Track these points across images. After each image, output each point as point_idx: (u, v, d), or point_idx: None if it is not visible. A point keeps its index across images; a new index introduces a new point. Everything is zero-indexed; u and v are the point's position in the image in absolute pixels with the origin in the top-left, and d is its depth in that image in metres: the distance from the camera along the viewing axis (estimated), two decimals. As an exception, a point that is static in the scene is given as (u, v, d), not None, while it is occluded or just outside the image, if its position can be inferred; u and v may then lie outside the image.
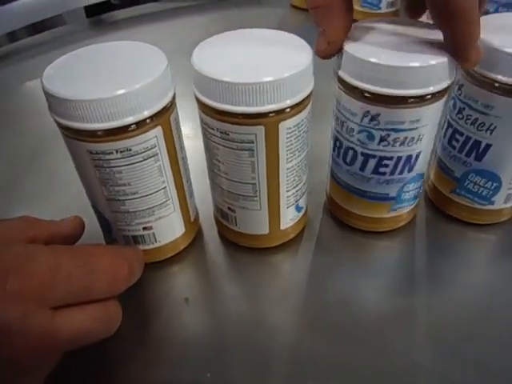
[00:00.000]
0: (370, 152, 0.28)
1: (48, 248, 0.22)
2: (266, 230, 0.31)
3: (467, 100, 0.29)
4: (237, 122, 0.25)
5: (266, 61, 0.26)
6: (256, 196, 0.29)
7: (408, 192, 0.30)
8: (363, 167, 0.29)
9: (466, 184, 0.31)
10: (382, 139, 0.27)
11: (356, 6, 0.62)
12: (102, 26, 0.71)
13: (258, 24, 0.65)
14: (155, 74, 0.25)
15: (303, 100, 0.26)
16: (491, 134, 0.28)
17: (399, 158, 0.28)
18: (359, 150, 0.29)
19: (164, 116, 0.26)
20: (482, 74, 0.27)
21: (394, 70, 0.24)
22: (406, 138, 0.27)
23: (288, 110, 0.26)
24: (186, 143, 0.30)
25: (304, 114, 0.27)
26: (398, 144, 0.27)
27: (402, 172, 0.29)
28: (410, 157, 0.28)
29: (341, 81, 0.27)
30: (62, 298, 0.21)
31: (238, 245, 0.33)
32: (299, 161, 0.29)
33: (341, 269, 0.32)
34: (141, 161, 0.26)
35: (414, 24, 0.28)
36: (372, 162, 0.29)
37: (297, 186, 0.30)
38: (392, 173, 0.29)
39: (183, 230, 0.32)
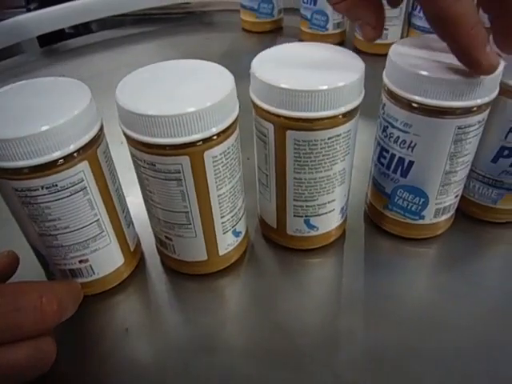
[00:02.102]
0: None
1: None
2: (204, 257, 0.31)
3: (389, 119, 0.30)
4: (162, 154, 0.26)
5: (189, 91, 0.26)
6: (190, 224, 0.29)
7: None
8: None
9: (396, 200, 0.32)
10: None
11: (304, 28, 0.64)
12: (56, 55, 0.71)
13: (210, 48, 0.67)
14: (77, 108, 0.25)
15: (229, 127, 0.27)
16: (412, 151, 0.29)
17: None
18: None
19: (90, 150, 0.26)
20: (399, 95, 0.28)
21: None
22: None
23: (215, 137, 0.26)
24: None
25: (231, 141, 0.27)
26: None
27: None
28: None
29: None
30: None
31: (180, 272, 0.33)
32: (231, 187, 0.29)
33: (280, 292, 0.32)
34: (69, 195, 0.26)
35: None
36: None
37: (231, 211, 0.30)
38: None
39: (123, 260, 0.32)
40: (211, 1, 0.78)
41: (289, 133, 0.27)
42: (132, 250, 0.33)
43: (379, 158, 0.32)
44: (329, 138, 0.27)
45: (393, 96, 0.29)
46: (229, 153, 0.28)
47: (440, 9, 0.23)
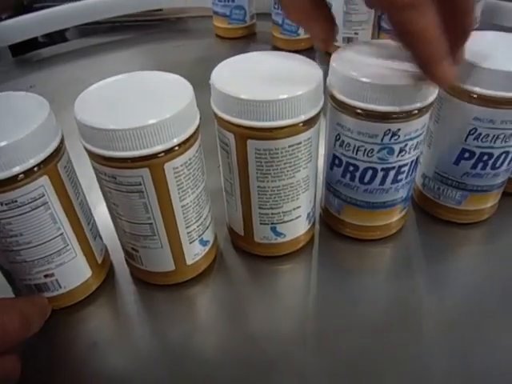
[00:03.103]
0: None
1: None
2: (171, 267, 0.31)
3: (336, 125, 0.31)
4: (123, 167, 0.26)
5: (148, 103, 0.26)
6: (155, 235, 0.29)
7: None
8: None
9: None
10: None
11: (276, 34, 0.64)
12: (28, 64, 0.70)
13: (183, 55, 0.67)
14: (35, 123, 0.25)
15: (189, 138, 0.27)
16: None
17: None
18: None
19: (50, 164, 0.26)
20: (342, 101, 0.29)
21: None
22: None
23: (176, 148, 0.26)
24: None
25: (192, 152, 0.27)
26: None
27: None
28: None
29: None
30: None
31: (149, 282, 0.33)
32: (195, 197, 0.29)
33: (250, 300, 0.32)
34: (29, 211, 0.26)
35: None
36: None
37: (197, 221, 0.30)
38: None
39: (90, 272, 0.32)
40: (184, 7, 0.78)
41: (249, 142, 0.27)
42: (100, 262, 0.33)
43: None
44: (289, 146, 0.27)
45: (336, 102, 0.29)
46: (191, 163, 0.28)
47: (405, 22, 0.24)
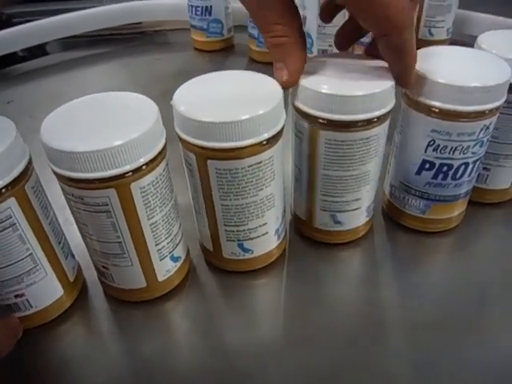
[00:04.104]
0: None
1: None
2: (143, 284, 0.32)
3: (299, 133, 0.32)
4: (89, 188, 0.26)
5: (113, 124, 0.27)
6: (125, 253, 0.30)
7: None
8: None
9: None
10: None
11: (252, 46, 0.65)
12: (6, 79, 0.70)
13: (161, 68, 0.67)
14: (1, 146, 0.25)
15: (155, 157, 0.27)
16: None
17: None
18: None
19: (18, 186, 0.27)
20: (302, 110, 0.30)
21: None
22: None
23: (143, 167, 0.27)
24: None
25: (159, 171, 0.28)
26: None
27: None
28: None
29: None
30: None
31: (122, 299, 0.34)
32: (163, 215, 0.30)
33: (222, 315, 0.33)
34: (-3, 232, 0.26)
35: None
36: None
37: (167, 238, 0.31)
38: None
39: (62, 291, 0.32)
40: (163, 20, 0.79)
41: (209, 162, 0.28)
42: (72, 280, 0.33)
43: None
44: (249, 166, 0.28)
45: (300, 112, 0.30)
46: (157, 182, 0.28)
47: (405, 41, 0.27)
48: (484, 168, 0.37)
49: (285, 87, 0.30)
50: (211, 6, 0.67)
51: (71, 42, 0.79)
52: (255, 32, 0.64)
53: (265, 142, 0.28)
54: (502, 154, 0.36)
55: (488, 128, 0.31)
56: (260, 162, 0.28)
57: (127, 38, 0.80)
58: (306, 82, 0.29)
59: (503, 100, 0.30)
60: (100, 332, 0.33)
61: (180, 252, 0.33)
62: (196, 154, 0.28)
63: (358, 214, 0.34)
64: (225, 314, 0.33)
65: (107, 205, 0.27)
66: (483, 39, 0.35)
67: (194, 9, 0.68)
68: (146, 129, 0.26)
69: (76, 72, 0.70)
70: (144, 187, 0.27)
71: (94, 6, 0.73)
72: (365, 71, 0.30)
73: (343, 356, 0.29)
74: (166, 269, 0.32)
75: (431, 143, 0.32)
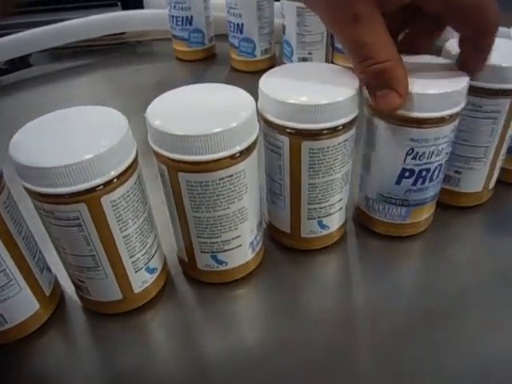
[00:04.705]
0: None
1: None
2: (119, 296, 0.32)
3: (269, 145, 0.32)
4: (59, 202, 0.26)
5: (82, 138, 0.27)
6: (99, 266, 0.30)
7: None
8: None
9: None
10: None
11: (233, 55, 0.66)
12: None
13: (143, 79, 0.68)
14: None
15: (126, 170, 0.27)
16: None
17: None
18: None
19: (-12, 203, 0.27)
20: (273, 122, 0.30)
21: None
22: None
23: (115, 180, 0.27)
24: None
25: (130, 184, 0.28)
26: None
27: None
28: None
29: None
30: None
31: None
32: (137, 227, 0.30)
33: (199, 326, 0.33)
34: (-32, 249, 0.26)
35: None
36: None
37: (141, 250, 0.31)
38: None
39: (38, 306, 0.32)
40: (146, 31, 0.79)
41: (180, 175, 0.28)
42: (48, 294, 0.33)
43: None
44: (220, 179, 0.28)
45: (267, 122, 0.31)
46: (129, 195, 0.28)
47: (492, 42, 0.29)
48: (456, 171, 0.38)
49: (395, 110, 0.29)
50: (192, 16, 0.67)
51: (54, 54, 0.79)
52: (236, 41, 0.65)
53: (238, 155, 0.28)
54: (472, 156, 0.37)
55: (455, 126, 0.32)
56: (231, 176, 0.28)
57: (110, 48, 0.80)
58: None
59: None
60: (77, 345, 0.33)
61: (156, 263, 0.33)
62: (167, 166, 0.29)
63: (338, 215, 0.35)
64: (202, 325, 0.33)
65: (78, 219, 0.27)
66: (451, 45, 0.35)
67: (174, 19, 0.68)
68: (114, 143, 0.26)
69: (58, 84, 0.70)
70: (115, 201, 0.28)
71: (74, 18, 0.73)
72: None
73: (321, 363, 0.30)
74: (141, 280, 0.32)
75: (410, 152, 0.32)
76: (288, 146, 0.30)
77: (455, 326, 0.31)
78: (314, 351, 0.30)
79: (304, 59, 0.63)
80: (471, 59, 0.31)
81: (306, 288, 0.35)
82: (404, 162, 0.33)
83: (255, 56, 0.65)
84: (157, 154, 0.29)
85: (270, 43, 0.65)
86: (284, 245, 0.37)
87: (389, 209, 0.36)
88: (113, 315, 0.33)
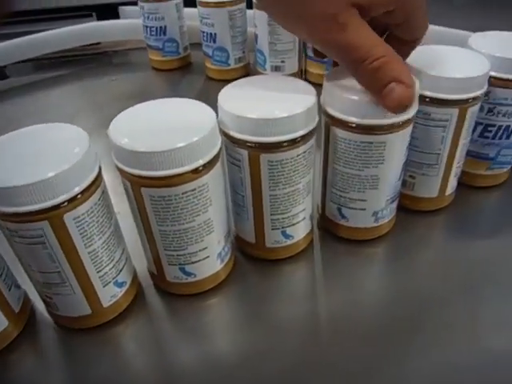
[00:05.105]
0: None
1: None
2: (87, 311, 0.32)
3: (232, 159, 0.32)
4: (21, 221, 0.27)
5: (44, 155, 0.27)
6: (65, 282, 0.30)
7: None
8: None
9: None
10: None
11: (208, 64, 0.66)
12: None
13: (118, 89, 0.68)
14: None
15: (89, 186, 0.28)
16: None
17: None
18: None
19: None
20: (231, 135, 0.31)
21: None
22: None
23: (79, 196, 0.27)
24: None
25: (93, 201, 0.28)
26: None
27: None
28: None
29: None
30: None
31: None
32: (102, 242, 0.30)
33: (169, 338, 0.33)
34: None
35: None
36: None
37: (108, 264, 0.31)
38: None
39: (6, 323, 0.32)
40: (121, 40, 0.79)
41: (143, 190, 0.28)
42: (17, 310, 0.33)
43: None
44: (183, 193, 0.28)
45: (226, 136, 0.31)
46: (93, 211, 0.29)
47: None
48: (410, 176, 0.39)
49: (405, 103, 0.29)
50: (165, 26, 0.67)
51: (31, 65, 0.79)
52: (209, 50, 0.65)
53: (201, 168, 0.29)
54: (425, 163, 0.38)
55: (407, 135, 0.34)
56: (194, 189, 0.29)
57: (87, 59, 0.80)
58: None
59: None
60: (48, 361, 0.33)
61: (125, 277, 0.33)
62: (131, 182, 0.29)
63: (303, 224, 0.35)
64: (173, 337, 0.33)
65: (42, 236, 0.27)
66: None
67: (148, 29, 0.69)
68: (75, 161, 0.27)
69: (34, 96, 0.70)
70: (78, 217, 0.28)
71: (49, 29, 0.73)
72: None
73: (292, 371, 0.30)
74: (110, 295, 0.33)
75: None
76: (247, 158, 0.31)
77: (420, 328, 0.32)
78: (284, 360, 0.31)
79: (277, 67, 0.63)
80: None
81: (275, 297, 0.35)
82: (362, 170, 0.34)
83: (229, 65, 0.66)
84: (120, 170, 0.29)
85: (244, 52, 0.66)
86: (251, 255, 0.38)
87: (351, 214, 0.37)
88: (84, 330, 0.33)
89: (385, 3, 0.28)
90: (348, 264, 0.37)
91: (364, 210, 0.36)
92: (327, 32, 0.28)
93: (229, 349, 0.32)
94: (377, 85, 0.29)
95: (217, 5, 0.61)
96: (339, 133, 0.33)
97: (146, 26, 0.69)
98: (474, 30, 0.42)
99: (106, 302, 0.32)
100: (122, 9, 0.85)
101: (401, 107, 0.29)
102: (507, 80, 0.37)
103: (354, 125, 0.31)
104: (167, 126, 0.29)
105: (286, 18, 0.30)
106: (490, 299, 0.34)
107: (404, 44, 0.32)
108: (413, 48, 0.33)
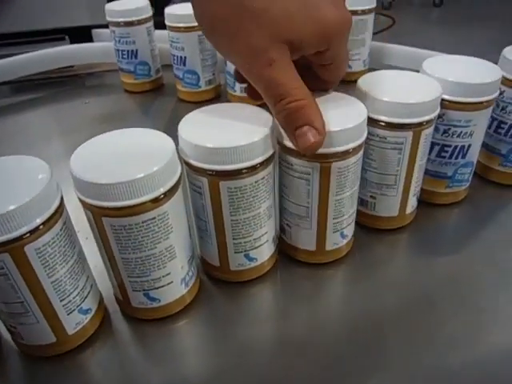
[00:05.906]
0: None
1: None
2: (52, 339, 0.32)
3: (193, 187, 0.33)
4: (-18, 252, 0.27)
5: (4, 188, 0.28)
6: (29, 312, 0.30)
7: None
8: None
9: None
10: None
11: (179, 87, 0.67)
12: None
13: (90, 112, 0.68)
14: None
15: (50, 217, 0.28)
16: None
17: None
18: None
19: None
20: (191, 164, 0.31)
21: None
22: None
23: (41, 227, 0.28)
24: None
25: (55, 231, 0.29)
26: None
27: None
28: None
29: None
30: None
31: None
32: (66, 271, 0.30)
33: (135, 364, 0.34)
34: None
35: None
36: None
37: (72, 293, 0.32)
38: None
39: (-29, 353, 0.32)
40: (94, 63, 0.80)
41: (104, 219, 0.29)
42: (-18, 340, 0.33)
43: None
44: (143, 222, 0.29)
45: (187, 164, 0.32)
46: (55, 241, 0.29)
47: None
48: (371, 196, 0.40)
49: (315, 148, 0.30)
50: (137, 50, 0.68)
51: (3, 89, 0.79)
52: (180, 73, 0.66)
53: (161, 197, 0.29)
54: (384, 183, 0.39)
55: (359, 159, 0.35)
56: (154, 218, 0.29)
57: (60, 81, 0.80)
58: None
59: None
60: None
61: (90, 304, 0.34)
62: (92, 212, 0.29)
63: (266, 247, 0.36)
64: (140, 362, 0.34)
65: (3, 268, 0.28)
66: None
67: (120, 52, 0.70)
68: (35, 194, 0.27)
69: (5, 120, 0.69)
70: (39, 248, 0.28)
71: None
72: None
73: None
74: (75, 322, 0.33)
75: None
76: (207, 186, 0.32)
77: (385, 348, 0.33)
78: (250, 380, 0.32)
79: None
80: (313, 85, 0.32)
81: (241, 319, 0.36)
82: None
83: (200, 87, 0.67)
84: (81, 201, 0.29)
85: (214, 74, 0.67)
86: (217, 278, 0.38)
87: (305, 237, 0.38)
88: (50, 357, 0.34)
89: (316, 44, 0.30)
90: (309, 285, 0.38)
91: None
92: (254, 65, 0.29)
93: (197, 371, 0.33)
94: (292, 124, 0.30)
95: (186, 29, 0.62)
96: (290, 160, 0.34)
97: (118, 50, 0.70)
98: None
99: (70, 329, 0.33)
100: (96, 31, 0.86)
101: (310, 150, 0.31)
102: (459, 103, 0.38)
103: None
104: (127, 156, 0.30)
105: (222, 49, 0.31)
106: (453, 316, 0.35)
107: (321, 84, 0.34)
108: (327, 90, 0.35)
